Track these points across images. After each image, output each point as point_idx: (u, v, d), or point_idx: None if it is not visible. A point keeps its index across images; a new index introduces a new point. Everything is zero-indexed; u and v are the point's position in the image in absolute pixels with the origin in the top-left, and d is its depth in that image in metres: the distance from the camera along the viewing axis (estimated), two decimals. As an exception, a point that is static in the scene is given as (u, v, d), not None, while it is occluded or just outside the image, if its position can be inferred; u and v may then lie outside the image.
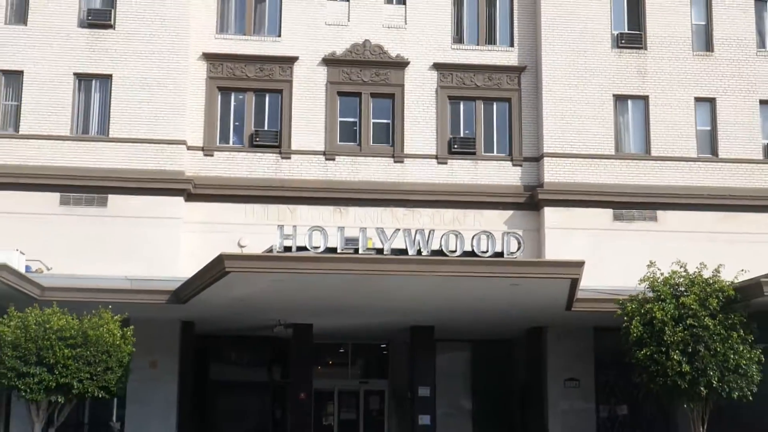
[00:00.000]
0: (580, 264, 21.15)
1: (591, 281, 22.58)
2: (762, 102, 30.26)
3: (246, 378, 30.50)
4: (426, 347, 28.10)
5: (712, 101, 30.15)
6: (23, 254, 23.87)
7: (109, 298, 22.10)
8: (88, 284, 23.26)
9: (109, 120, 28.49)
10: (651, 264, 22.36)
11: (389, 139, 29.68)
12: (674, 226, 28.74)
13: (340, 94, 29.77)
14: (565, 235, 28.32)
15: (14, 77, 28.58)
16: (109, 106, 28.57)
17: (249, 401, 30.19)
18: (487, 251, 21.94)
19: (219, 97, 29.50)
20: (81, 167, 27.94)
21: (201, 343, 28.04)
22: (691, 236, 27.80)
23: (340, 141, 29.52)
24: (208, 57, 29.49)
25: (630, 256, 25.50)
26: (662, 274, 22.14)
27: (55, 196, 27.68)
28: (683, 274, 22.00)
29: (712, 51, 30.39)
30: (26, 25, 28.78)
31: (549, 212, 28.84)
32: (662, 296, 21.58)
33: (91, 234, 27.20)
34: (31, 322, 20.04)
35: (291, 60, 29.61)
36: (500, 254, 22.10)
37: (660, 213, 29.04)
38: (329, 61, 29.71)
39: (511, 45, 30.48)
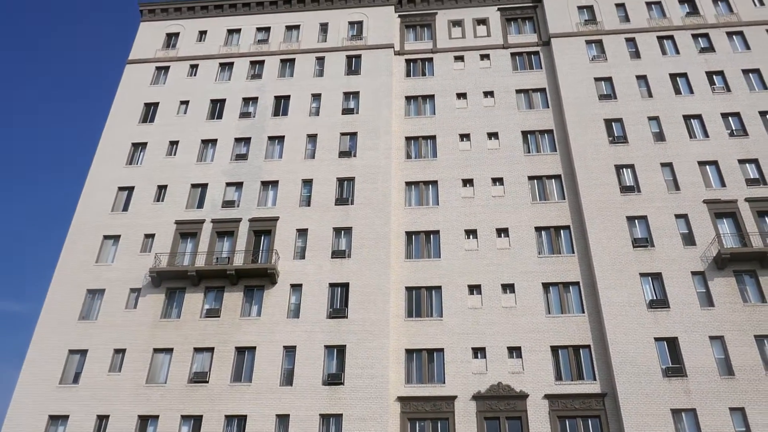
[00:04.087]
0: None
1: None
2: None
3: None
4: None
5: (742, 410, 26.98)
6: None
7: None
8: None
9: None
10: None
11: (522, 448, 27.46)
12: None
13: (485, 418, 28.26)
14: None
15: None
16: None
17: None
18: None
19: (408, 424, 28.32)
20: None
21: None
22: None
23: (488, 451, 27.50)
24: (401, 399, 28.93)
25: None
26: None
27: None
28: None
29: (734, 376, 27.62)
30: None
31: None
32: None
33: None
34: None
35: (452, 398, 28.67)
36: None
37: None
38: (477, 397, 28.61)
39: (594, 379, 28.73)
